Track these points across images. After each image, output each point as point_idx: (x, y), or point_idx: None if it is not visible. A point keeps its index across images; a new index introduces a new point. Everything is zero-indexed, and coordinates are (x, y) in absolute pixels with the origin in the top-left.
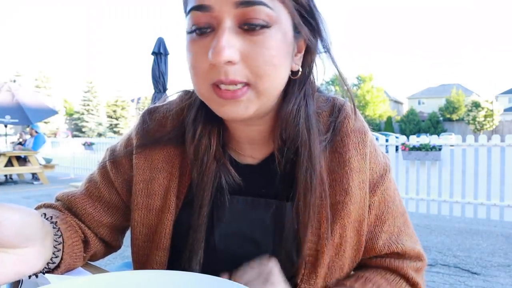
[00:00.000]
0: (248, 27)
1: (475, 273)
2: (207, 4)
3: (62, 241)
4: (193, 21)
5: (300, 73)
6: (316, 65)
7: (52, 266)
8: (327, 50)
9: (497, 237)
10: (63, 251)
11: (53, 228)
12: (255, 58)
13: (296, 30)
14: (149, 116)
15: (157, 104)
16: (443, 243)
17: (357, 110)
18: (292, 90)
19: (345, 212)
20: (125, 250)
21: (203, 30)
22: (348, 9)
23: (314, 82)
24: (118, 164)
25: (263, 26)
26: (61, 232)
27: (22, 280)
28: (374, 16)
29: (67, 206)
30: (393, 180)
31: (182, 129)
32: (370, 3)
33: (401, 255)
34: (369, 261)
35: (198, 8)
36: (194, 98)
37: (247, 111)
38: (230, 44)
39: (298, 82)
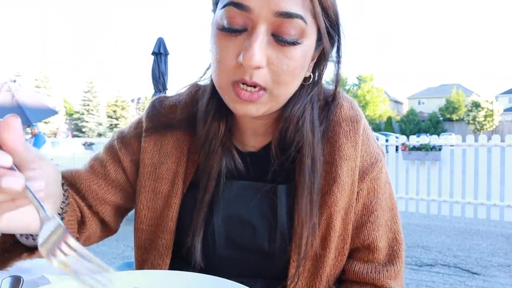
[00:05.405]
0: (280, 40)
1: (475, 273)
2: (247, 5)
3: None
4: (227, 18)
5: (311, 79)
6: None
7: None
8: (338, 62)
9: (497, 237)
10: None
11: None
12: (279, 66)
13: (318, 42)
14: (159, 103)
15: (166, 95)
16: (443, 243)
17: (353, 100)
18: (299, 94)
19: (332, 200)
20: (125, 250)
21: (235, 29)
22: (348, 9)
23: (322, 86)
24: (127, 144)
25: (293, 43)
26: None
27: (22, 280)
28: (374, 16)
29: (70, 182)
30: (386, 174)
31: (192, 117)
32: (370, 2)
33: (373, 252)
34: (343, 275)
35: (237, 5)
36: (203, 88)
37: (258, 111)
38: (261, 49)
39: (307, 87)
